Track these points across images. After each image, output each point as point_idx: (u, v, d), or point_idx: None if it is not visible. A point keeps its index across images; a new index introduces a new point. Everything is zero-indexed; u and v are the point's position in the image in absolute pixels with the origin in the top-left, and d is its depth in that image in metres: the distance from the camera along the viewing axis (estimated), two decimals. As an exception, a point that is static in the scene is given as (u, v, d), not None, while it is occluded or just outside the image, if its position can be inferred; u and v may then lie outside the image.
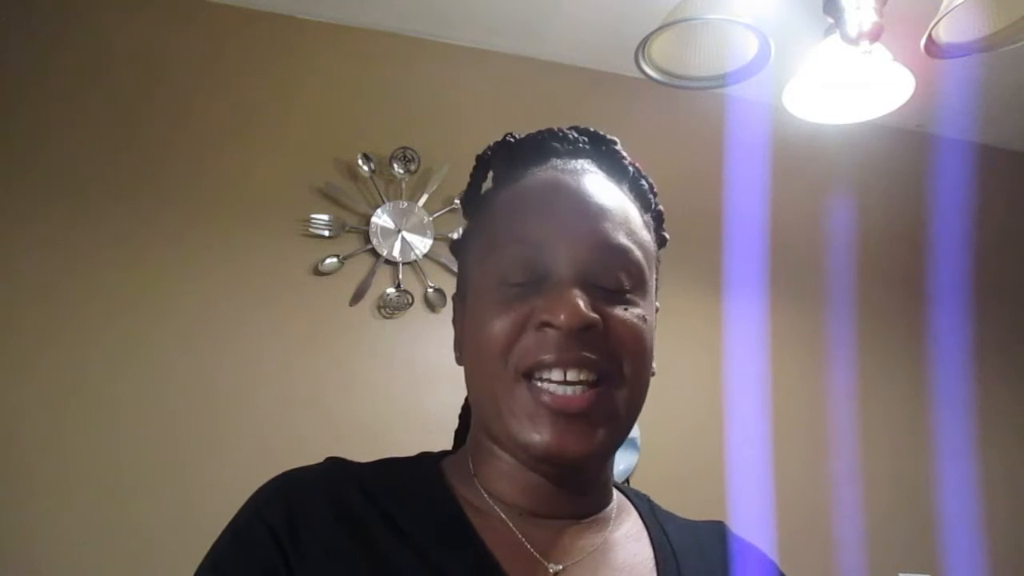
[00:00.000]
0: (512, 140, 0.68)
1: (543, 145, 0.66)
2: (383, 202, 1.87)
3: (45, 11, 1.73)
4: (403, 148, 1.87)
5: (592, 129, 0.68)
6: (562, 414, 0.56)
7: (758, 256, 2.11)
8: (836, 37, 1.47)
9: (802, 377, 2.14)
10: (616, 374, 0.58)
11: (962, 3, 1.26)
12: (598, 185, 0.62)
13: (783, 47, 1.46)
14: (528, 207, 0.61)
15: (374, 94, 1.95)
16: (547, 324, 0.56)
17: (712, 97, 2.12)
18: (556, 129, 0.67)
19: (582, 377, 0.56)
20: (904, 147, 2.37)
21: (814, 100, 1.61)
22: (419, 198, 1.89)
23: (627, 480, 1.91)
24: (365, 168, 1.84)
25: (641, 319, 0.59)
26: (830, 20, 1.47)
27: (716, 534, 0.68)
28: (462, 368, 0.65)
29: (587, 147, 0.66)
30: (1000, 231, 2.42)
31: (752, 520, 1.93)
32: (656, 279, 0.65)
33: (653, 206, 0.68)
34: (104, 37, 1.77)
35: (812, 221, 2.24)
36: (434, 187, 1.88)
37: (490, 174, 0.69)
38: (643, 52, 1.45)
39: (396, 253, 1.85)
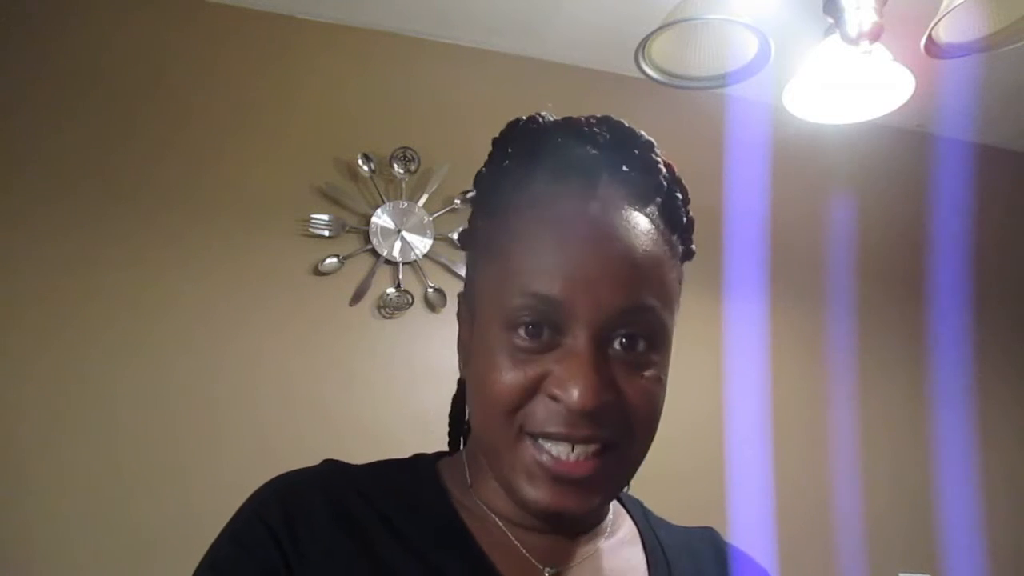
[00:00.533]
0: (535, 126, 0.62)
1: (570, 151, 0.59)
2: (383, 202, 1.87)
3: (44, 11, 1.73)
4: (403, 148, 1.87)
5: (627, 126, 0.61)
6: (563, 479, 0.54)
7: (758, 256, 2.11)
8: (836, 37, 1.47)
9: (802, 377, 2.14)
10: (623, 439, 0.55)
11: (962, 3, 1.26)
12: (629, 226, 0.56)
13: (783, 47, 1.46)
14: (550, 249, 0.54)
15: (374, 94, 1.95)
16: (556, 398, 0.53)
17: (712, 97, 2.12)
18: (586, 127, 0.60)
19: (589, 451, 0.54)
20: (904, 147, 2.37)
21: (814, 100, 1.61)
22: (419, 198, 1.89)
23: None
24: (365, 168, 1.84)
25: (656, 381, 0.56)
26: (830, 20, 1.47)
27: (708, 540, 0.69)
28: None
29: (619, 154, 0.59)
30: (1000, 231, 2.42)
31: (752, 520, 1.93)
32: (677, 306, 0.61)
33: (684, 220, 0.62)
34: (103, 37, 1.77)
35: (812, 221, 2.24)
36: (434, 187, 1.88)
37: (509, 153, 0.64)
38: (643, 52, 1.45)
39: (396, 253, 1.85)
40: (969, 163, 2.36)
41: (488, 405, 0.56)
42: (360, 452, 0.69)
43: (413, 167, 1.88)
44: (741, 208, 2.10)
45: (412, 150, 1.88)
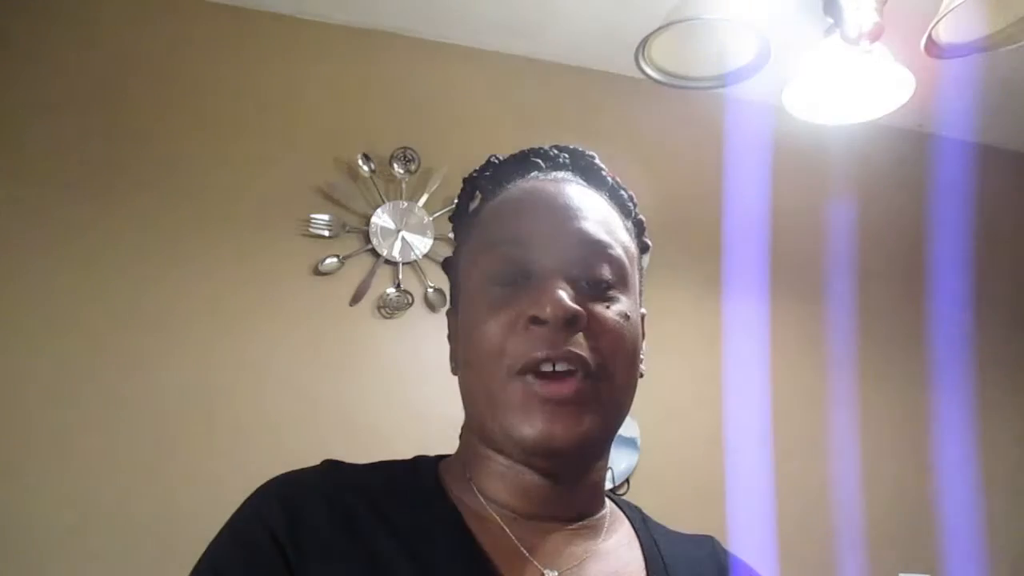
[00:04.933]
0: (496, 161, 0.71)
1: (525, 161, 0.69)
2: (383, 202, 1.87)
3: (46, 14, 1.73)
4: (403, 148, 1.87)
5: (571, 146, 0.71)
6: (551, 401, 0.57)
7: (758, 256, 2.11)
8: (836, 37, 1.47)
9: (802, 377, 2.14)
10: (601, 369, 0.59)
11: (962, 3, 1.26)
12: (578, 191, 0.66)
13: (783, 47, 1.46)
14: (511, 211, 0.65)
15: (374, 94, 1.95)
16: (534, 319, 0.58)
17: (712, 97, 2.12)
18: (537, 147, 0.70)
19: (570, 368, 0.58)
20: (904, 147, 2.37)
21: (814, 100, 1.61)
22: (419, 198, 1.89)
23: (627, 480, 1.91)
24: (365, 168, 1.84)
25: (623, 316, 0.61)
26: (830, 20, 1.47)
27: (707, 548, 0.69)
28: None
29: (567, 161, 0.69)
30: (1000, 231, 2.42)
31: (752, 521, 1.93)
32: (640, 282, 0.68)
33: (634, 215, 0.71)
34: (104, 38, 1.77)
35: (812, 221, 2.24)
36: (434, 187, 1.88)
37: (477, 195, 0.72)
38: (643, 52, 1.45)
39: (396, 253, 1.85)
40: (969, 163, 2.36)
41: (478, 354, 0.60)
42: (360, 452, 0.69)
43: (413, 167, 1.88)
44: (741, 208, 2.10)
45: (412, 150, 1.88)
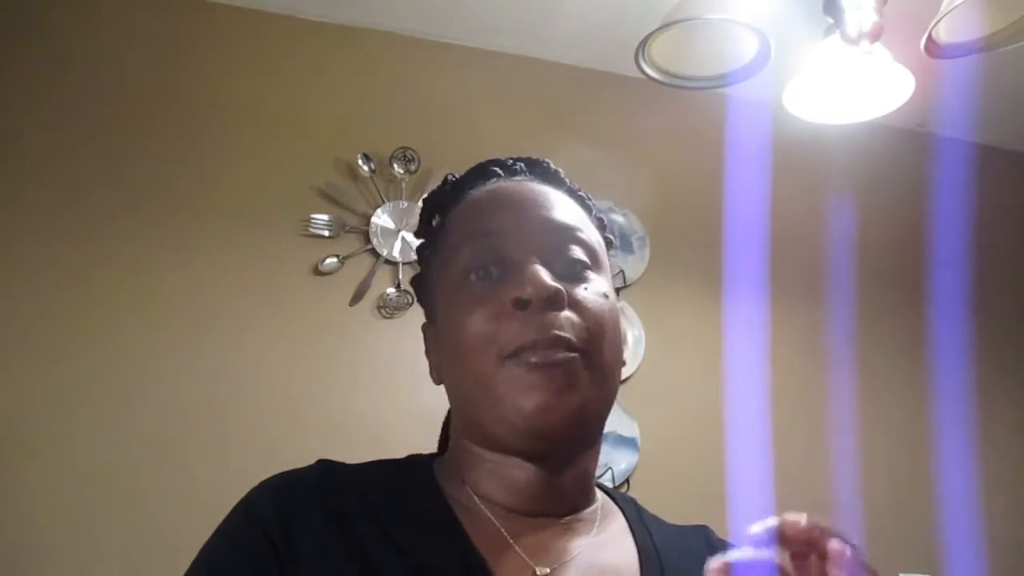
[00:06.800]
0: (453, 178, 0.74)
1: (484, 171, 0.71)
2: (383, 202, 1.87)
3: (43, 13, 1.73)
4: (403, 148, 1.87)
5: (527, 155, 0.73)
6: (548, 366, 0.58)
7: (758, 256, 2.11)
8: (836, 37, 1.47)
9: (802, 377, 2.14)
10: (588, 347, 0.60)
11: (962, 3, 1.26)
12: (540, 187, 0.69)
13: (783, 47, 1.46)
14: (478, 210, 0.67)
15: (374, 94, 1.95)
16: (517, 300, 0.59)
17: (712, 97, 2.12)
18: (494, 158, 0.73)
19: (560, 346, 0.59)
20: (904, 147, 2.37)
21: (814, 100, 1.61)
22: (419, 198, 1.89)
23: (627, 480, 1.91)
24: (365, 168, 1.84)
25: (602, 295, 0.63)
26: (830, 20, 1.47)
27: (701, 538, 0.69)
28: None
29: (524, 168, 0.71)
30: (1000, 231, 2.42)
31: (752, 520, 1.93)
32: (606, 259, 0.69)
33: (594, 212, 0.73)
34: (105, 39, 1.77)
35: (812, 221, 2.24)
36: (434, 187, 1.88)
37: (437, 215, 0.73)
38: (643, 52, 1.45)
39: (396, 253, 1.85)
40: (969, 163, 2.36)
41: (466, 346, 0.61)
42: (361, 452, 0.69)
43: (413, 167, 1.88)
44: (741, 208, 2.10)
45: (412, 150, 1.88)
